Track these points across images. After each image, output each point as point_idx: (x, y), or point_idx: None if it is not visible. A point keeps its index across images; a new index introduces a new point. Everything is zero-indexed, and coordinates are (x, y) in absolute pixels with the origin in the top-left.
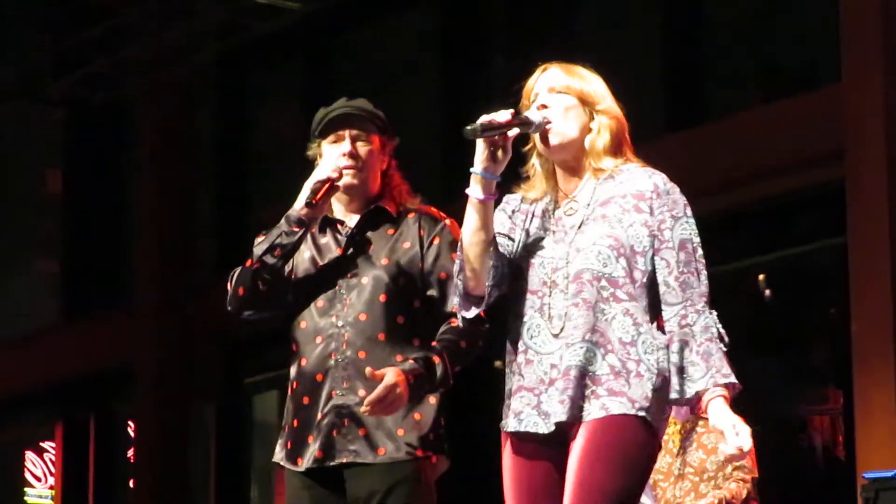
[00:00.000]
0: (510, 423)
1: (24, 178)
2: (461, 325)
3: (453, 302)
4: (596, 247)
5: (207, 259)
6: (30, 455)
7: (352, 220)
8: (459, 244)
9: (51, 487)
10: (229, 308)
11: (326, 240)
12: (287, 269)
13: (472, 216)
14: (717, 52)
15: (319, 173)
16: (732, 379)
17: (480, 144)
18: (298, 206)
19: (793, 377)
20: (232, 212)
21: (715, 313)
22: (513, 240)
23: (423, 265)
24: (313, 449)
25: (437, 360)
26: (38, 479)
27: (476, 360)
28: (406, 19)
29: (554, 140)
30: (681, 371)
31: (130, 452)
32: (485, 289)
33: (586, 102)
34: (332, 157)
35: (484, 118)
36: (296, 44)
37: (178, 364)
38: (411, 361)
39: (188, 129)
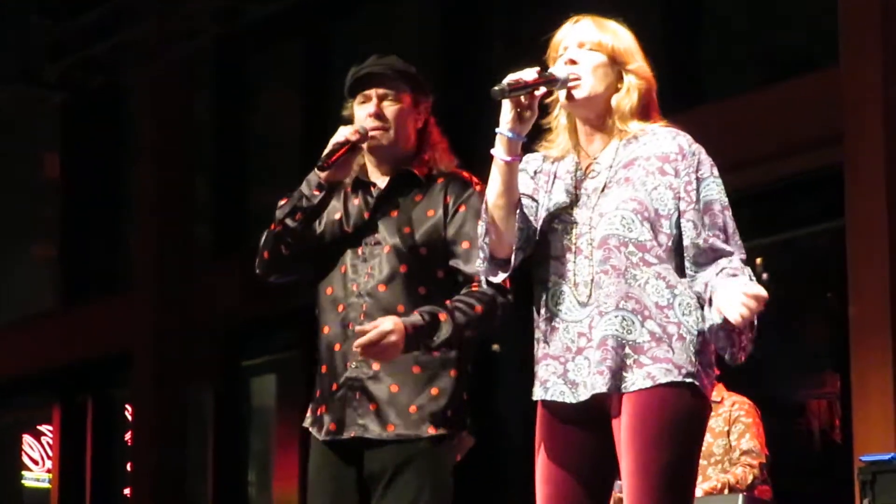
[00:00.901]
0: (537, 392)
1: (21, 163)
2: (485, 288)
3: (476, 266)
4: (619, 211)
5: (205, 243)
6: (27, 439)
7: (383, 182)
8: (484, 206)
9: (48, 471)
10: (257, 272)
11: (357, 202)
12: (317, 230)
13: (496, 178)
14: (716, 35)
15: (338, 135)
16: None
17: (506, 104)
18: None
19: (790, 361)
20: (230, 196)
21: (749, 269)
22: (536, 201)
23: (447, 234)
24: (328, 421)
25: (443, 317)
26: (36, 463)
27: (493, 331)
28: (406, 2)
29: (579, 94)
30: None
31: (128, 436)
32: (510, 252)
33: (616, 61)
34: (360, 118)
35: (511, 77)
36: (295, 27)
37: (175, 348)
38: (416, 314)
39: (186, 113)
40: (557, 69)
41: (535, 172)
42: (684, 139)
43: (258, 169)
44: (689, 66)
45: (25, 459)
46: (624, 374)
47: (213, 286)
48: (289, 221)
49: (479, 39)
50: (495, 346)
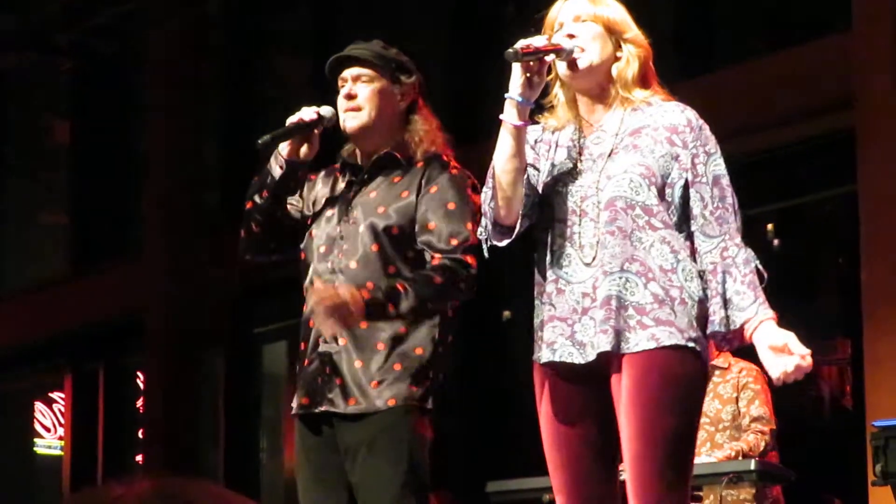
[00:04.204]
0: (544, 355)
1: (31, 129)
2: (446, 262)
3: (440, 250)
4: (628, 175)
5: (216, 208)
6: (39, 406)
7: (367, 164)
8: (490, 172)
9: (60, 438)
10: (239, 252)
11: (342, 184)
12: (306, 212)
13: (506, 143)
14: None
15: (296, 115)
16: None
17: (517, 70)
18: (282, 147)
19: (801, 326)
20: (240, 160)
21: (751, 250)
22: (538, 170)
23: (417, 214)
24: (301, 395)
25: (400, 287)
26: (48, 430)
27: (462, 301)
28: None
29: (581, 64)
30: (726, 302)
31: (139, 403)
32: (516, 218)
33: (613, 31)
34: (340, 104)
35: (522, 42)
36: None
37: (187, 314)
38: (372, 287)
39: (196, 77)
40: (561, 39)
41: (536, 142)
42: (692, 113)
43: (268, 131)
44: (701, 31)
45: (37, 426)
46: (627, 334)
47: (223, 252)
48: (256, 198)
49: (489, 4)
50: (506, 313)
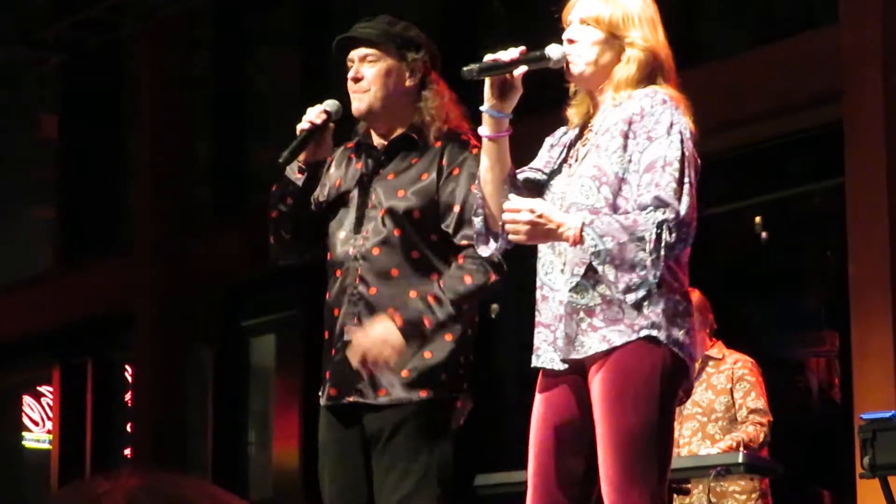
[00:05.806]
0: (533, 359)
1: (20, 123)
2: (475, 254)
3: (465, 235)
4: (580, 179)
5: (205, 202)
6: (27, 400)
7: (383, 144)
8: (477, 181)
9: (48, 432)
10: (272, 258)
11: (358, 166)
12: (320, 198)
13: (483, 154)
14: None
15: (304, 120)
16: (601, 245)
17: (487, 82)
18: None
19: (789, 319)
20: (229, 154)
21: (669, 217)
22: (546, 174)
23: (440, 197)
24: (329, 386)
25: (431, 299)
26: (36, 424)
27: (491, 295)
28: None
29: (574, 70)
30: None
31: (128, 396)
32: (498, 227)
33: (616, 35)
34: (349, 86)
35: (488, 57)
36: None
37: (175, 308)
38: (410, 308)
39: (185, 72)
40: (552, 48)
41: (552, 146)
42: (649, 100)
43: (257, 128)
44: (689, 24)
45: (26, 420)
46: (581, 338)
47: (212, 246)
48: (282, 207)
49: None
50: (494, 306)
